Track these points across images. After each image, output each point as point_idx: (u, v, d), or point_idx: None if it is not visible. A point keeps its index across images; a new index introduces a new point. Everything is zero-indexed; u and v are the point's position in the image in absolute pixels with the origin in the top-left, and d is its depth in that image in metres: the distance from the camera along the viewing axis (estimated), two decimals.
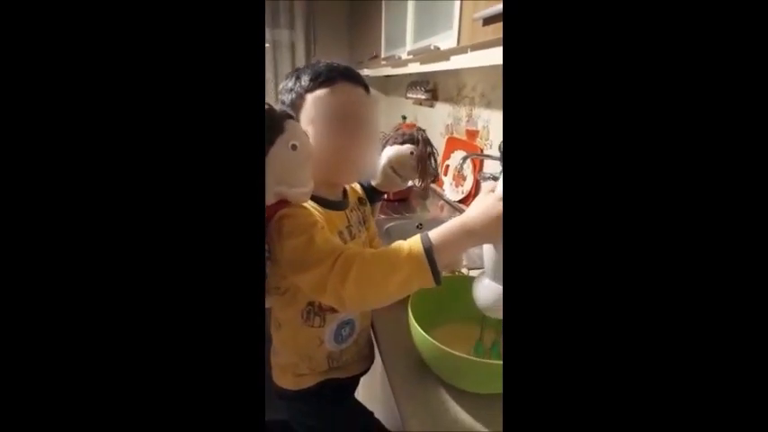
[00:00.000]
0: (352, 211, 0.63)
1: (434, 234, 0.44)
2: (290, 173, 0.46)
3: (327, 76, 0.54)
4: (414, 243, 0.44)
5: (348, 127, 0.55)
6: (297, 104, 0.56)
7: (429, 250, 0.42)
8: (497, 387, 0.50)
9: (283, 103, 0.57)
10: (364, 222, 0.66)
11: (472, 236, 0.43)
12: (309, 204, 0.52)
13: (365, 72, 1.80)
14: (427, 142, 0.76)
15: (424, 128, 0.83)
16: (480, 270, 0.51)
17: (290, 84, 0.57)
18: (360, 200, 0.68)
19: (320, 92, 0.54)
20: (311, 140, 0.51)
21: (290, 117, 0.48)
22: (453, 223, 0.44)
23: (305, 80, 0.55)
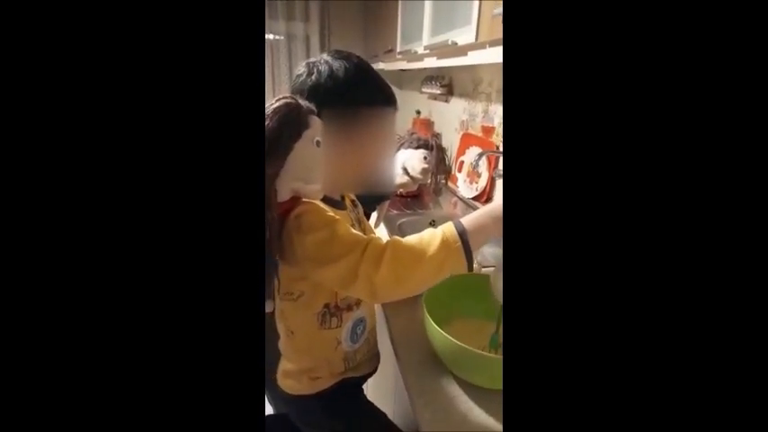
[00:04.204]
0: (350, 211, 0.63)
1: (466, 220, 0.46)
2: (310, 169, 0.46)
3: (394, 99, 0.57)
4: (447, 228, 0.46)
5: (391, 151, 0.59)
6: (349, 110, 0.53)
7: (463, 233, 0.44)
8: None
9: (318, 88, 0.53)
10: (360, 224, 0.66)
11: (499, 221, 0.45)
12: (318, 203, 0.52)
13: (380, 66, 1.79)
14: (440, 148, 0.77)
15: (438, 123, 0.84)
16: (497, 264, 0.52)
17: (340, 75, 0.52)
18: (353, 202, 0.68)
19: (388, 112, 0.57)
20: (344, 149, 0.53)
21: (313, 112, 0.47)
22: (482, 210, 0.47)
23: (371, 90, 0.55)
